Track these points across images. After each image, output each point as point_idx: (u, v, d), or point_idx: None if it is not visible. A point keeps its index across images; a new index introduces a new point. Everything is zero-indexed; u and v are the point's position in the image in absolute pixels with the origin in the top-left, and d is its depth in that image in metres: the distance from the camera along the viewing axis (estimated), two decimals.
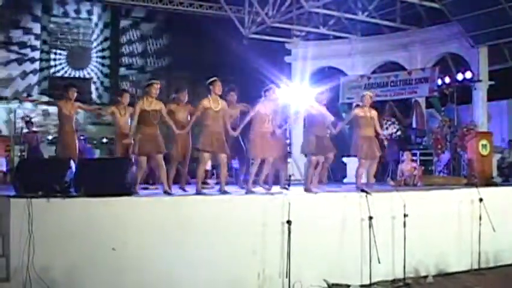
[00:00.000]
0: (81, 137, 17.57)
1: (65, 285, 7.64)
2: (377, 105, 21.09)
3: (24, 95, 23.23)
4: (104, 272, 7.88)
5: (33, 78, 24.38)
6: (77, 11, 25.62)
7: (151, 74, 25.96)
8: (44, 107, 22.37)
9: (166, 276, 8.27)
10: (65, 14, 25.47)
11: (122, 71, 26.67)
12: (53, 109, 22.17)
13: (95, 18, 26.04)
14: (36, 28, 24.60)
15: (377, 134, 11.95)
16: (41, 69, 24.73)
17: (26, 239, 7.39)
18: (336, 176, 17.32)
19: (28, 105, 22.12)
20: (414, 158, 16.77)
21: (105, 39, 26.35)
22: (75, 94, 11.25)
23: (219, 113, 10.11)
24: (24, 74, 24.16)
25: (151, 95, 10.05)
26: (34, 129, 17.60)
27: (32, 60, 24.47)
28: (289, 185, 11.54)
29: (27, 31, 24.41)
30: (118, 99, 11.71)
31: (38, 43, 24.67)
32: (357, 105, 12.46)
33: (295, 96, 19.11)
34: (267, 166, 10.78)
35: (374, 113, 11.85)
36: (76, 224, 7.82)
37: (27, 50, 24.39)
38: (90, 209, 7.97)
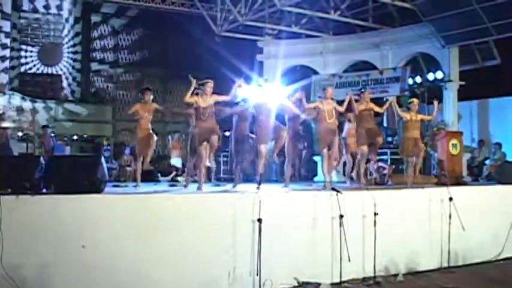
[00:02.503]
0: (52, 134, 17.45)
1: (35, 283, 7.57)
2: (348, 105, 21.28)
3: None
4: (74, 270, 7.80)
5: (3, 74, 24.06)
6: (47, 7, 25.40)
7: (124, 68, 26.00)
8: (18, 102, 22.18)
9: (137, 274, 8.20)
10: (36, 10, 25.23)
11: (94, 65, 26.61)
12: (26, 105, 22.06)
13: (67, 14, 25.85)
14: (6, 25, 24.26)
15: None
16: (12, 66, 24.47)
17: None
18: (307, 174, 17.35)
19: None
20: (384, 157, 16.86)
21: (77, 35, 26.19)
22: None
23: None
24: None
25: (206, 93, 10.65)
26: (3, 125, 17.41)
27: (3, 57, 24.15)
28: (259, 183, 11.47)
29: None
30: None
31: (8, 41, 24.38)
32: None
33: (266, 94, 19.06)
34: None
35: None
36: (46, 221, 7.75)
37: None
38: (60, 207, 7.90)
